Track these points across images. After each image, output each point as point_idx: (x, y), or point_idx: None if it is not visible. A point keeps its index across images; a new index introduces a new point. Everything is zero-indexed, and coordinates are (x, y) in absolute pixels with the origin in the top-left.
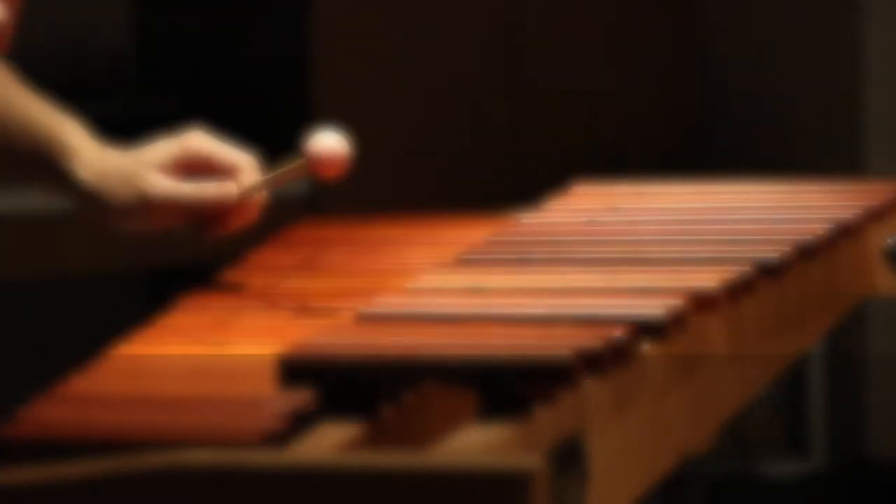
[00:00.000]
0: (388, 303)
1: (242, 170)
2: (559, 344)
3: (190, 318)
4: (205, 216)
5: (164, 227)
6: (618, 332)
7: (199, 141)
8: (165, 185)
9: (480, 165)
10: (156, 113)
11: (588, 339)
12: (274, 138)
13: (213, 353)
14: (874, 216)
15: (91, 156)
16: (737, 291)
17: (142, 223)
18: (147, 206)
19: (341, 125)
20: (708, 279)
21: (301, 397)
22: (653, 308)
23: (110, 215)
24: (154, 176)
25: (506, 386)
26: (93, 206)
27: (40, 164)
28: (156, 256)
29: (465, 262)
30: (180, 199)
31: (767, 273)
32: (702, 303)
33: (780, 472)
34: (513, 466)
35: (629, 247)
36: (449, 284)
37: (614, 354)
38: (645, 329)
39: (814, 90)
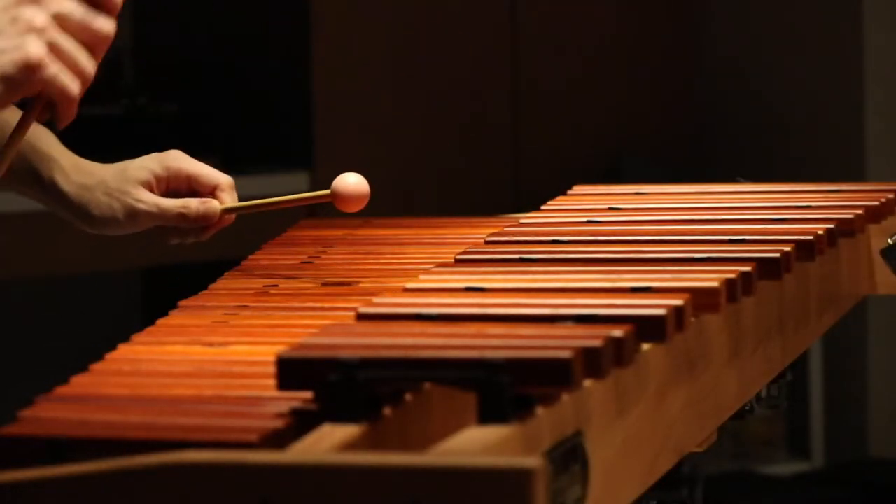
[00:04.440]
0: (388, 303)
1: (223, 188)
2: (559, 344)
3: (190, 318)
4: (185, 228)
5: (144, 229)
6: (618, 332)
7: (181, 160)
8: (152, 200)
9: (481, 169)
10: (154, 115)
11: (588, 339)
12: (274, 138)
13: (213, 353)
14: (874, 216)
15: (71, 167)
16: (737, 291)
17: (124, 231)
18: (132, 219)
19: (341, 125)
20: (708, 279)
21: (301, 397)
22: (653, 308)
23: (93, 223)
24: (139, 191)
25: (506, 386)
26: (76, 214)
27: (24, 173)
28: (155, 256)
29: (465, 262)
30: (166, 215)
31: (767, 273)
32: (702, 303)
33: (780, 472)
34: (513, 466)
35: (629, 247)
36: (449, 284)
37: (614, 354)
38: (645, 329)
39: (814, 92)
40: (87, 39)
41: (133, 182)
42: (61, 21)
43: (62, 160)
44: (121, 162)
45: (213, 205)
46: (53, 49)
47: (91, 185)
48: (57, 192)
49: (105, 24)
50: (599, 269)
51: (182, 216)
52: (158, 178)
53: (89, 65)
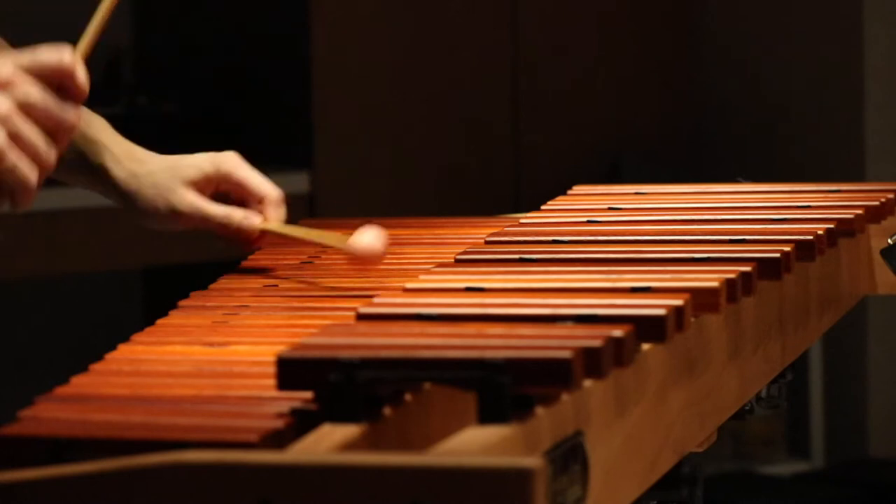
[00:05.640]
0: (388, 303)
1: (270, 202)
2: (559, 344)
3: (190, 318)
4: (226, 235)
5: (186, 229)
6: (618, 332)
7: (234, 165)
8: (195, 204)
9: (481, 169)
10: (154, 115)
11: (588, 339)
12: (274, 138)
13: (213, 353)
14: (874, 216)
15: (123, 154)
16: (737, 291)
17: (167, 226)
18: (173, 218)
19: (341, 125)
20: (708, 279)
21: (301, 397)
22: (653, 308)
23: (136, 213)
24: (185, 192)
25: (506, 386)
26: (124, 203)
27: (77, 160)
28: (155, 256)
29: (465, 262)
30: (207, 222)
31: (767, 273)
32: (702, 303)
33: (780, 472)
34: (513, 466)
35: (629, 247)
36: (449, 284)
37: (614, 354)
38: (645, 329)
39: (814, 93)
40: (51, 127)
41: (181, 180)
42: (26, 108)
43: (113, 147)
44: (175, 156)
45: (253, 222)
46: (14, 138)
47: (141, 174)
48: (106, 178)
49: (70, 113)
50: (599, 269)
51: (223, 227)
52: (208, 180)
53: (50, 154)
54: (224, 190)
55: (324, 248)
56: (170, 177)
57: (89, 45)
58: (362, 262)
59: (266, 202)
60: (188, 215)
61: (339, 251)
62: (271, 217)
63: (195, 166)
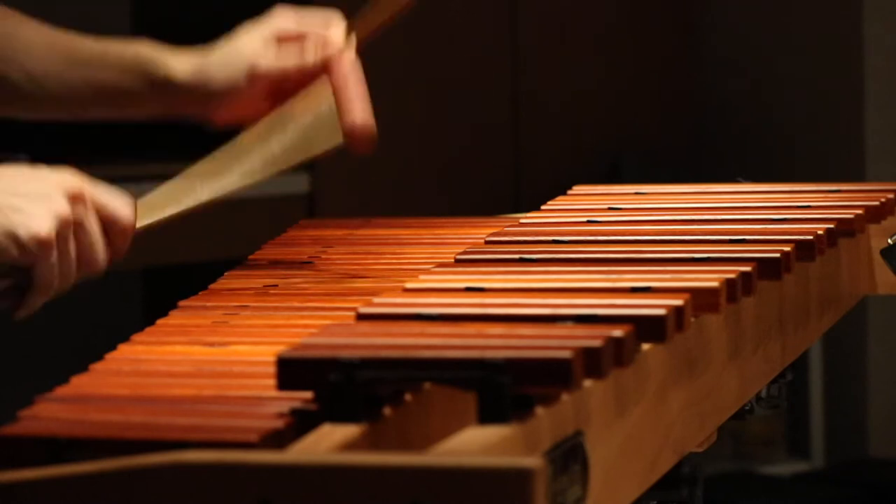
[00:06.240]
0: (388, 303)
1: (331, 33)
2: (559, 344)
3: (190, 318)
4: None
5: (253, 114)
6: (618, 332)
7: (286, 19)
8: (271, 61)
9: (481, 169)
10: None
11: (588, 339)
12: None
13: (213, 353)
14: (874, 216)
15: (180, 55)
16: (737, 291)
17: (237, 109)
18: (253, 80)
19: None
20: (708, 279)
21: (301, 397)
22: (653, 308)
23: (211, 100)
24: (255, 58)
25: (506, 386)
26: (193, 98)
27: (142, 84)
28: (155, 256)
29: (465, 262)
30: (286, 70)
31: (767, 273)
32: (702, 303)
33: (780, 472)
34: (513, 466)
35: (629, 247)
36: (449, 284)
37: (614, 354)
38: (645, 329)
39: (814, 92)
40: (85, 258)
41: (248, 48)
42: (77, 228)
43: (169, 54)
44: (228, 38)
45: (330, 44)
46: (60, 241)
47: (205, 63)
48: (173, 87)
49: (102, 257)
50: (599, 269)
51: (299, 69)
52: (269, 42)
53: (71, 278)
54: (287, 47)
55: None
56: (235, 51)
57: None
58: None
59: (328, 37)
60: (267, 73)
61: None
62: (333, 39)
63: (256, 37)
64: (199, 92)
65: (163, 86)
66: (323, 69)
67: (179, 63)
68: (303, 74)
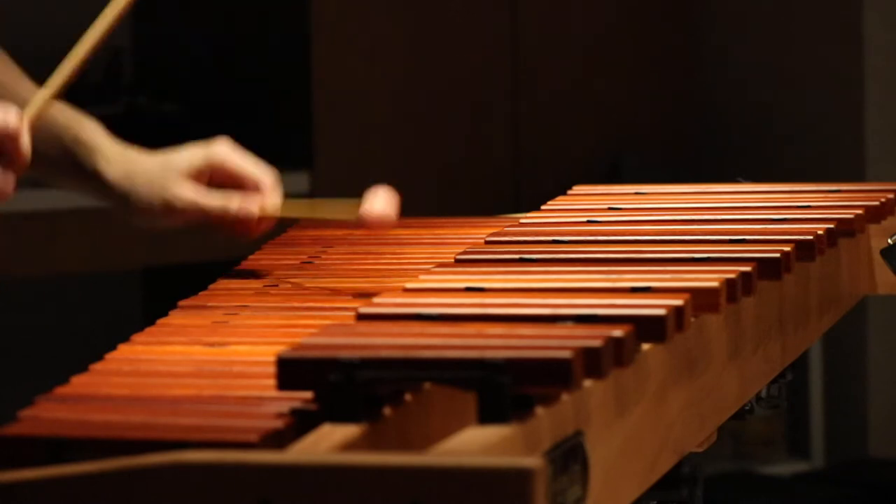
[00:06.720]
0: (388, 303)
1: (265, 188)
2: (559, 344)
3: (190, 318)
4: (224, 225)
5: (186, 225)
6: (618, 332)
7: (225, 154)
8: (190, 196)
9: (481, 169)
10: (154, 115)
11: (588, 339)
12: (274, 138)
13: (213, 353)
14: (874, 216)
15: (115, 155)
16: (737, 291)
17: (165, 223)
18: (170, 214)
19: (341, 125)
20: (708, 279)
21: (301, 397)
22: (653, 308)
23: (135, 214)
24: (180, 184)
25: (506, 386)
26: (119, 204)
27: (68, 164)
28: (155, 256)
29: (465, 262)
30: (205, 214)
31: (767, 273)
32: (702, 303)
33: (780, 472)
34: (513, 466)
35: (629, 247)
36: (449, 284)
37: (614, 354)
38: (645, 329)
39: (814, 92)
40: None
41: (175, 174)
42: None
43: (105, 149)
44: (166, 152)
45: (251, 210)
46: None
47: (134, 173)
48: (100, 180)
49: (6, 182)
50: (599, 269)
51: (220, 218)
52: (200, 172)
53: None
54: (218, 182)
55: (332, 222)
56: (163, 173)
57: (39, 110)
58: (376, 229)
59: (262, 188)
60: (184, 210)
61: (349, 223)
62: (268, 203)
63: (187, 160)
64: (121, 201)
65: (90, 176)
66: (240, 222)
67: (110, 164)
68: (225, 218)
